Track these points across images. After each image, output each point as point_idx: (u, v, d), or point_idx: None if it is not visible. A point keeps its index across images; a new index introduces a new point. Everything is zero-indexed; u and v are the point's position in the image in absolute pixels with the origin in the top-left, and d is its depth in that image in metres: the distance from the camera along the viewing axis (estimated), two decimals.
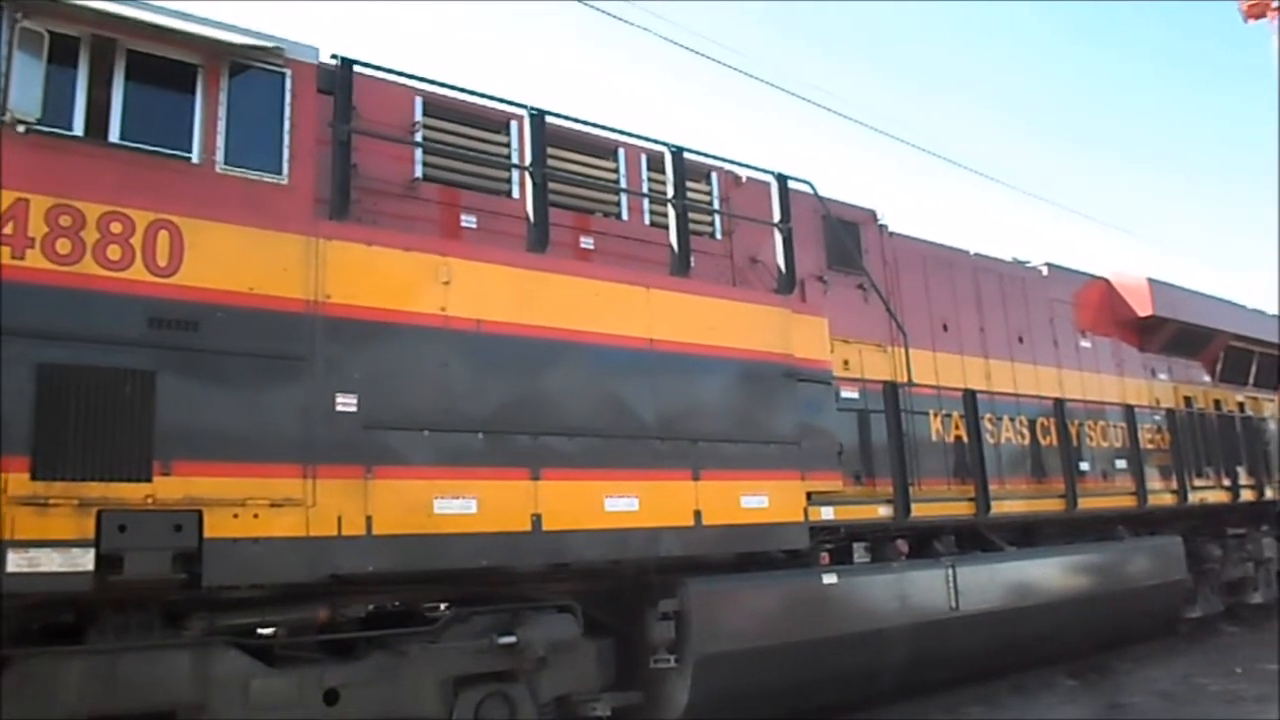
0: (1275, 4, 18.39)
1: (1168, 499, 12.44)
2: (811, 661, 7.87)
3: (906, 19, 52.97)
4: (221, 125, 5.90)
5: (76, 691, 5.23)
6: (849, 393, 9.17)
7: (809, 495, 7.99)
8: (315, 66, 6.35)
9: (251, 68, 6.08)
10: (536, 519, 6.45)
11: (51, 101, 5.37)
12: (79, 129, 5.51)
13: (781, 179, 8.80)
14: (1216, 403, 14.86)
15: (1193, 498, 12.71)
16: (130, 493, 5.13)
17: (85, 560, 4.94)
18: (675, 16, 37.40)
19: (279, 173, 6.04)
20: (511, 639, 6.55)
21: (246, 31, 6.02)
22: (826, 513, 8.29)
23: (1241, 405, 15.42)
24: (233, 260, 5.65)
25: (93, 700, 5.26)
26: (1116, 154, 61.31)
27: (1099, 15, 54.95)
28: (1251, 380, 15.95)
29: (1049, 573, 10.39)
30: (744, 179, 9.19)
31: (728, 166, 8.99)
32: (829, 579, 8.17)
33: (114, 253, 5.30)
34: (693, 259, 8.05)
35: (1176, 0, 51.72)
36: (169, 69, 5.84)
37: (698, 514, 7.24)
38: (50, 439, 4.97)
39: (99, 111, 5.58)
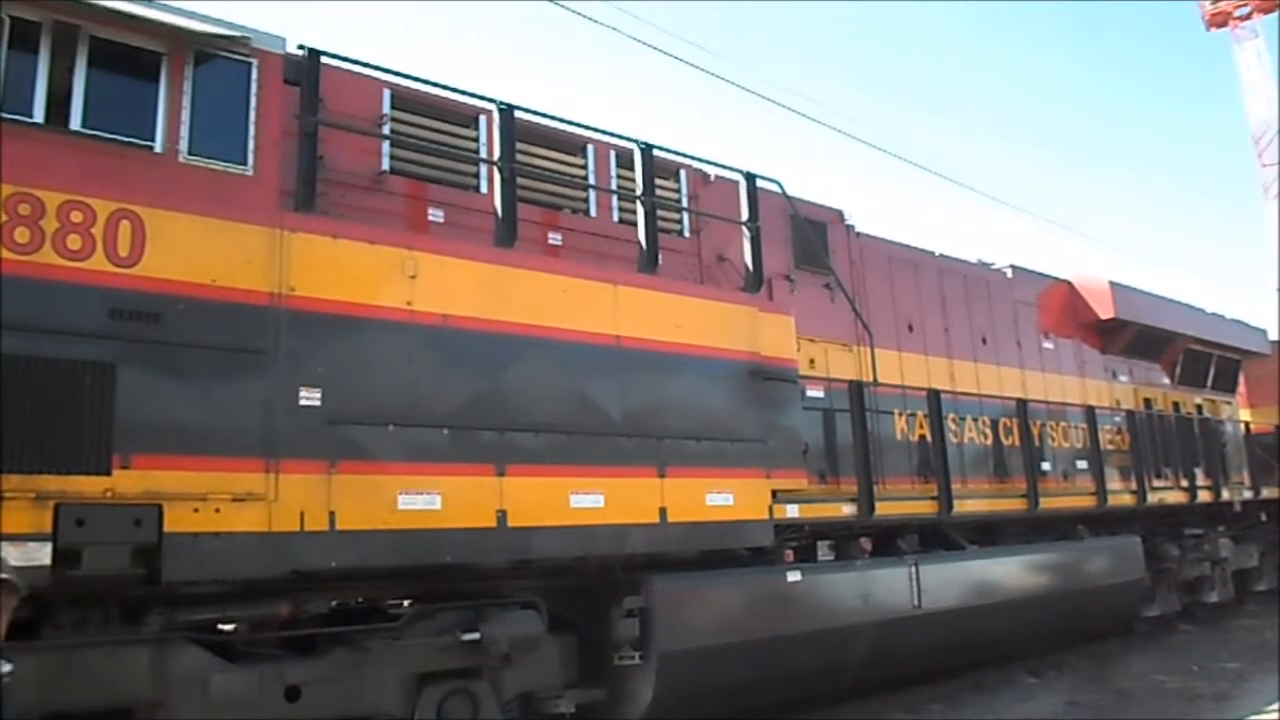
0: (1236, 13, 18.72)
1: (1127, 499, 12.62)
2: (775, 659, 7.91)
3: (888, 20, 53.30)
4: (185, 114, 5.82)
5: (32, 688, 5.13)
6: (814, 392, 9.22)
7: (774, 493, 8.02)
8: (282, 57, 6.29)
9: (217, 57, 6.00)
10: (501, 515, 6.42)
11: (11, 88, 5.28)
12: (39, 116, 5.42)
13: (750, 178, 8.81)
14: (1175, 405, 15.10)
15: (1151, 498, 12.90)
16: (89, 486, 5.05)
17: (42, 554, 4.87)
18: (657, 19, 37.42)
19: (244, 163, 5.97)
20: (475, 636, 6.53)
21: (212, 20, 5.94)
22: (791, 511, 8.31)
23: (1200, 407, 15.69)
24: (195, 251, 5.57)
25: (48, 697, 5.17)
26: (1092, 159, 62.05)
27: (1072, 20, 55.64)
28: (1210, 383, 16.24)
29: (1010, 571, 10.51)
30: (712, 177, 9.21)
31: (696, 164, 8.99)
32: (793, 577, 8.20)
33: (74, 242, 5.21)
34: (661, 256, 8.05)
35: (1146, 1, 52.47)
36: (132, 56, 5.75)
37: (663, 511, 7.25)
38: (7, 431, 4.87)
39: (60, 99, 5.49)
